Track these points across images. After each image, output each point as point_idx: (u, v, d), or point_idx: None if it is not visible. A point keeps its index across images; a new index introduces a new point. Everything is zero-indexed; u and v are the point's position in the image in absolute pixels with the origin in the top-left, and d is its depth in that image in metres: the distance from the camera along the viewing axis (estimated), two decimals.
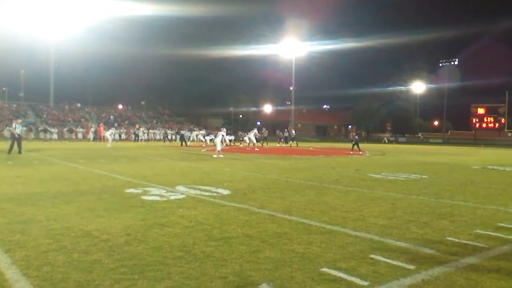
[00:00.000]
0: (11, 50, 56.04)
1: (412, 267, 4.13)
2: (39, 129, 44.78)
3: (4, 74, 63.62)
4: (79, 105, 61.03)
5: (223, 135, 21.65)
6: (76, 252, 4.39)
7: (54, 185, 9.41)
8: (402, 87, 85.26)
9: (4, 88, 67.30)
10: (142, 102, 69.05)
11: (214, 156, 20.40)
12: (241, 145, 35.42)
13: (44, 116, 51.35)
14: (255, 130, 34.65)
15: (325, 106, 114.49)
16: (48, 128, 45.86)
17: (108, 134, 36.28)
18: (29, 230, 5.23)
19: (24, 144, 30.90)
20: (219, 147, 20.83)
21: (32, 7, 48.39)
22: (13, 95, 64.76)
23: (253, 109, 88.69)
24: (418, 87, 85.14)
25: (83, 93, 74.76)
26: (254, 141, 32.54)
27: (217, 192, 8.64)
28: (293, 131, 39.89)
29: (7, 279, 3.61)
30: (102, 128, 46.66)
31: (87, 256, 4.25)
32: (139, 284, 3.56)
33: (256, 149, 28.24)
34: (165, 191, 8.69)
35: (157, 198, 7.80)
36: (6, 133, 35.16)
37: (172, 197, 7.91)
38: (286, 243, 4.91)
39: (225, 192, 8.74)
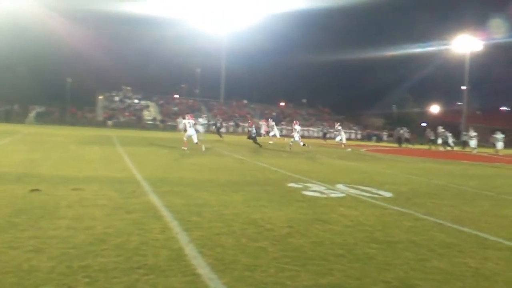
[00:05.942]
0: (191, 51, 63.19)
1: None
2: (217, 124, 49.13)
3: (183, 73, 72.09)
4: (245, 101, 65.33)
5: (189, 123, 17.78)
6: (244, 237, 4.68)
7: (223, 174, 10.24)
8: None
9: (183, 85, 75.81)
10: (303, 100, 70.59)
11: (184, 150, 16.80)
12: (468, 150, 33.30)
13: (214, 111, 56.38)
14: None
15: (503, 108, 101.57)
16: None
17: None
18: (204, 213, 5.76)
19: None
20: (195, 139, 17.31)
21: (206, 7, 53.25)
22: (190, 91, 72.54)
23: (417, 109, 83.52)
24: None
25: (249, 90, 79.69)
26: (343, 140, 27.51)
27: (378, 194, 8.34)
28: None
29: (186, 254, 4.04)
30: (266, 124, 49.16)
31: (253, 243, 4.50)
32: (302, 276, 3.62)
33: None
34: (325, 188, 8.72)
35: (318, 194, 7.87)
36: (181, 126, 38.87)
37: (332, 195, 7.90)
38: (456, 255, 4.48)
39: (387, 194, 8.38)
